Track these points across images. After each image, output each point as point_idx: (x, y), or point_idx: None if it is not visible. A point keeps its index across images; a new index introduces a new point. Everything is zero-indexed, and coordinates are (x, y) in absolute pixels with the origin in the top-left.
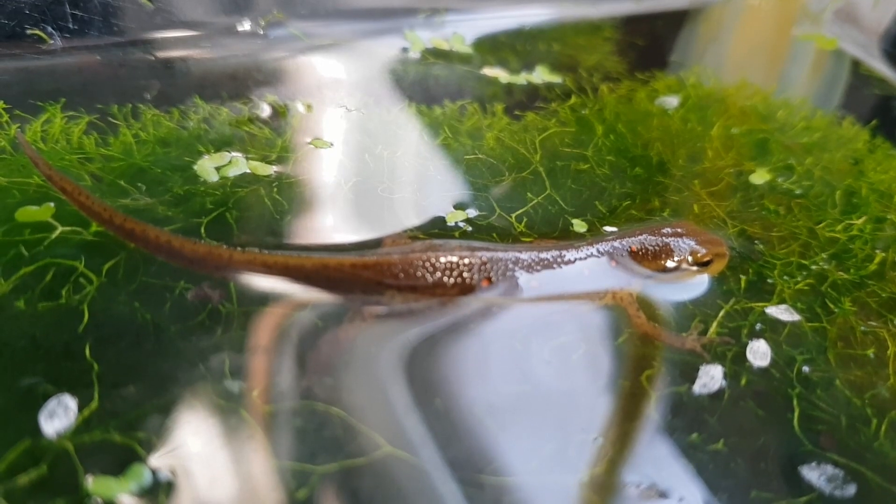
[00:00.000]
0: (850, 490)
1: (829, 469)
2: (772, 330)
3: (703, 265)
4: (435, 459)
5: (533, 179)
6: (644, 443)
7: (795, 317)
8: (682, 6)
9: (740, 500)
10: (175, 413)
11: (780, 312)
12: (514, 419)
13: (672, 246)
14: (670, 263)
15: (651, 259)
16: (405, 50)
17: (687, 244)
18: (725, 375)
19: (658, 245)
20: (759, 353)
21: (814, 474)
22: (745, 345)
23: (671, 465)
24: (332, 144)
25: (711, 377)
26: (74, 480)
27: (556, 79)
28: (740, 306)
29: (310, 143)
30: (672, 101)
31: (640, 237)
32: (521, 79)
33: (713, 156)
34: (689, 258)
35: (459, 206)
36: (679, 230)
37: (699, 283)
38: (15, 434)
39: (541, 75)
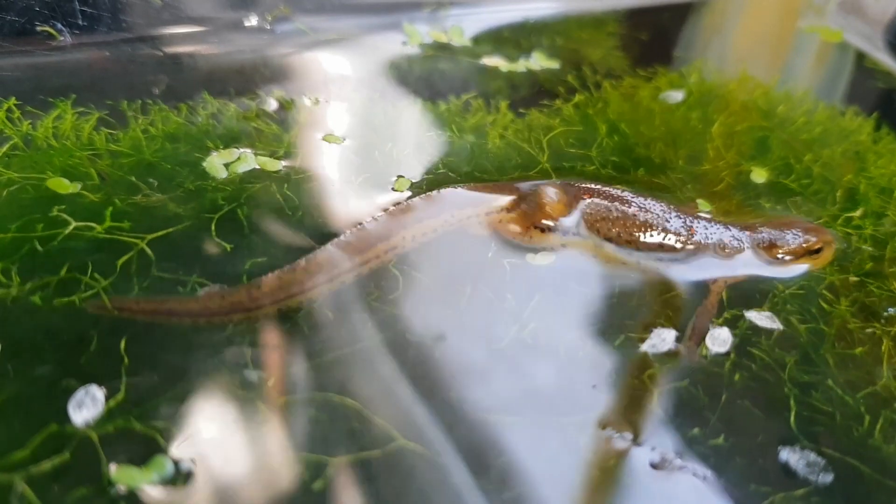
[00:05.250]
0: (829, 478)
1: (811, 456)
2: (767, 331)
3: (814, 253)
4: (445, 448)
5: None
6: (647, 433)
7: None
8: None
9: (740, 493)
10: (194, 404)
11: (761, 319)
12: (523, 410)
13: (786, 236)
14: (785, 251)
15: (768, 248)
16: (405, 44)
17: (798, 234)
18: (677, 339)
19: (774, 235)
20: (719, 339)
21: (794, 457)
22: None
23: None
24: (343, 139)
25: (662, 339)
26: (97, 469)
27: (553, 64)
28: (734, 312)
29: (323, 139)
30: (676, 96)
31: (760, 228)
32: (520, 66)
33: (714, 155)
34: (803, 245)
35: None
36: (790, 221)
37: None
38: (38, 424)
39: (538, 61)
